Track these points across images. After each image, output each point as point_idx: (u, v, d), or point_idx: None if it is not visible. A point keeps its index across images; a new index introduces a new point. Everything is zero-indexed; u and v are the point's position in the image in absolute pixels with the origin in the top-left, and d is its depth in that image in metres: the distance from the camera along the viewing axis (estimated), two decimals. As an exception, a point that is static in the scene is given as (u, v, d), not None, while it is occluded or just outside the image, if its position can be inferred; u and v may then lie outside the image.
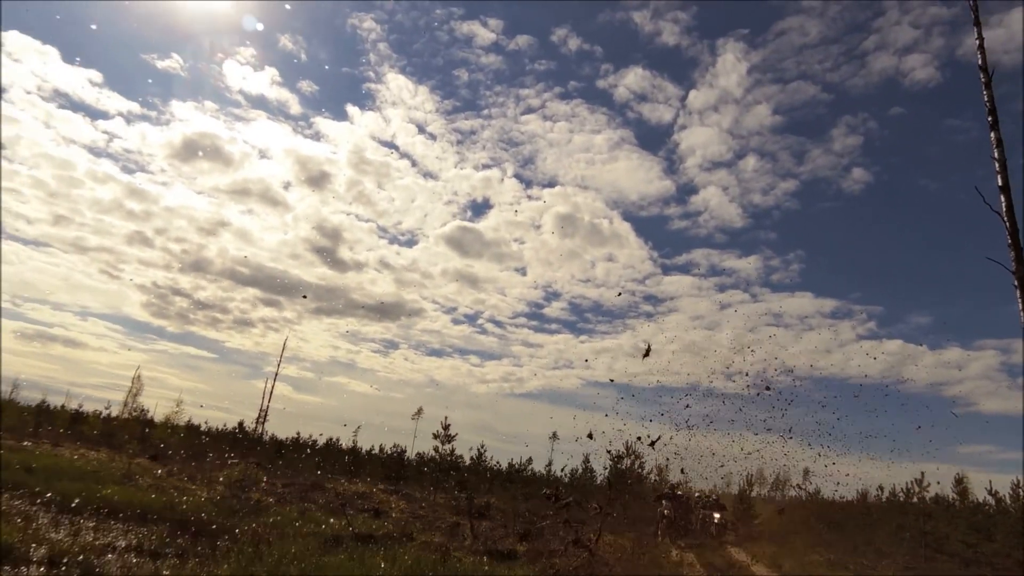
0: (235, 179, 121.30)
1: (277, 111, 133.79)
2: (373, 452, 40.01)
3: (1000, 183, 14.40)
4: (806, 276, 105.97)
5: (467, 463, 30.81)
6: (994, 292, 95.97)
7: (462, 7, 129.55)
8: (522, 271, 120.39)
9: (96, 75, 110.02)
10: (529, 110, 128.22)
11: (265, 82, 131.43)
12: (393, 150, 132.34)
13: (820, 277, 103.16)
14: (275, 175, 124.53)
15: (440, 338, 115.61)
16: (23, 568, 6.84)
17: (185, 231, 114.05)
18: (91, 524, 10.12)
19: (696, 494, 28.52)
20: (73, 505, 11.32)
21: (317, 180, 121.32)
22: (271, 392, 47.22)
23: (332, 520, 14.01)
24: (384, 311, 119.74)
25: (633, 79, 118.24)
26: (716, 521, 23.39)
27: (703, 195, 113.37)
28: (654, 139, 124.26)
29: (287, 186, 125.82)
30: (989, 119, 15.11)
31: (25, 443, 26.09)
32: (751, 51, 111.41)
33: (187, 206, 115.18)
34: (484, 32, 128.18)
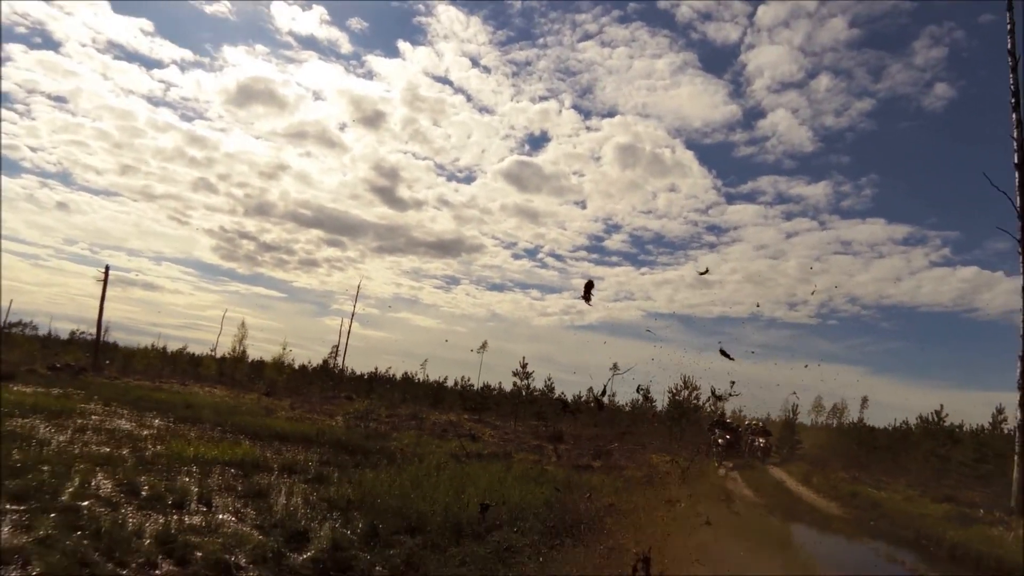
0: (291, 122, 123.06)
1: (328, 51, 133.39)
2: (453, 385, 44.15)
3: (1016, 160, 16.08)
4: (879, 201, 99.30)
5: (538, 394, 34.23)
6: None
7: None
8: (582, 204, 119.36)
9: (147, 23, 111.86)
10: (586, 36, 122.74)
11: (314, 21, 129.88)
12: (447, 85, 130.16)
13: (894, 202, 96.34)
14: (330, 116, 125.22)
15: (501, 273, 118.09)
16: (265, 474, 10.03)
17: (247, 176, 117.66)
18: (278, 446, 13.51)
19: (746, 422, 31.17)
20: (255, 433, 14.85)
21: (372, 120, 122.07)
22: (348, 331, 51.72)
23: (440, 443, 17.35)
24: (445, 248, 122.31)
25: None
26: (762, 445, 25.94)
27: (771, 119, 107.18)
28: (719, 61, 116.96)
29: (343, 127, 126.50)
30: (1012, 100, 16.68)
31: (161, 383, 30.74)
32: None
33: (246, 151, 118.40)
34: None
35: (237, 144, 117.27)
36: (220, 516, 6.65)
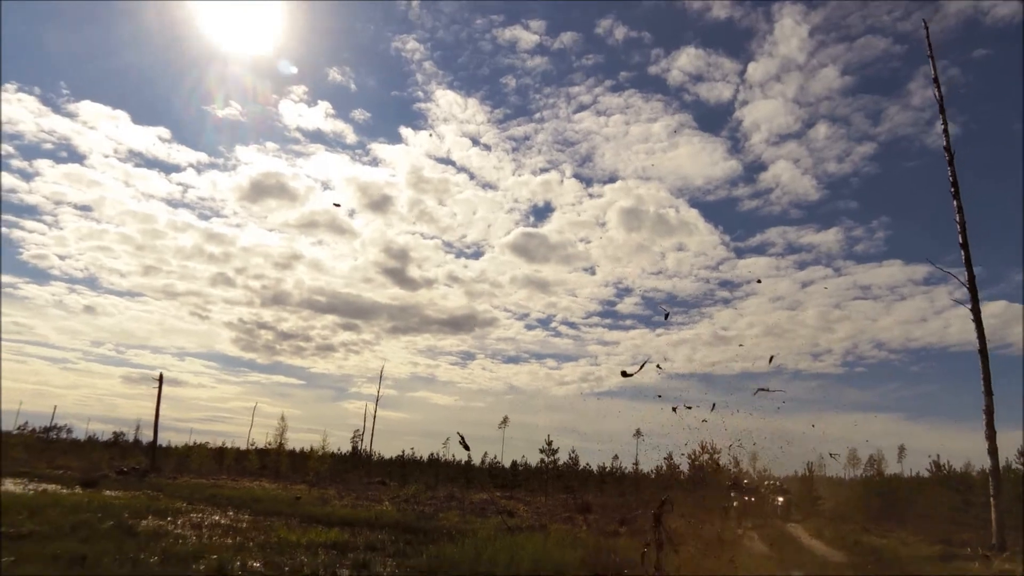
0: (302, 213, 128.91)
1: (334, 142, 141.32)
2: (480, 463, 45.88)
3: (961, 240, 19.00)
4: (893, 243, 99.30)
5: (562, 465, 36.05)
6: None
7: (501, 13, 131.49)
8: (591, 270, 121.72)
9: (164, 131, 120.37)
10: (581, 107, 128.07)
11: (319, 116, 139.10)
12: (450, 165, 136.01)
13: (909, 242, 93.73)
14: (340, 205, 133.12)
15: (515, 345, 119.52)
16: (357, 552, 12.35)
17: (262, 267, 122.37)
18: (351, 530, 15.80)
19: (766, 483, 32.71)
20: (326, 520, 17.16)
21: (380, 204, 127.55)
22: (375, 415, 53.91)
23: (482, 520, 19.45)
24: (458, 324, 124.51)
25: (686, 60, 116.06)
26: (780, 503, 27.52)
27: (773, 171, 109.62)
28: (714, 119, 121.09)
29: (352, 213, 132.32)
30: (952, 190, 19.81)
31: (215, 479, 33.10)
32: (810, 11, 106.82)
33: (261, 244, 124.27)
34: (527, 35, 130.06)
35: (252, 238, 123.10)
36: (343, 582, 9.09)
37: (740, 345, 75.34)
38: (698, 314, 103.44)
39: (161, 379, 38.09)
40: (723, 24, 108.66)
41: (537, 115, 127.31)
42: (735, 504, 26.53)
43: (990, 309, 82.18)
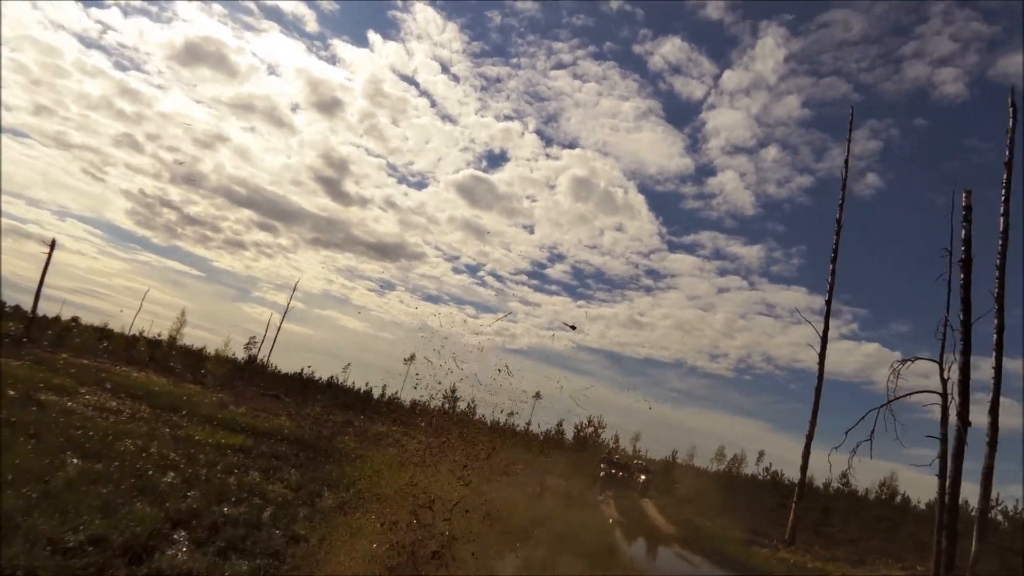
0: (239, 92, 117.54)
1: (292, 26, 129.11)
2: (380, 396, 47.35)
3: (827, 299, 21.83)
4: (804, 272, 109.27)
5: (460, 413, 38.16)
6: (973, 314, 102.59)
7: None
8: (530, 229, 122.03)
9: None
10: (560, 65, 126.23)
11: None
12: (413, 86, 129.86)
13: (817, 274, 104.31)
14: (283, 94, 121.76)
15: (438, 284, 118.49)
16: (261, 459, 13.67)
17: (180, 140, 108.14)
18: (254, 438, 17.01)
19: (634, 461, 36.24)
20: (228, 424, 18.23)
21: (328, 106, 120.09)
22: (279, 328, 53.93)
23: (377, 450, 21.11)
24: (384, 251, 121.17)
25: (670, 49, 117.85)
26: (641, 481, 30.88)
27: (720, 178, 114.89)
28: (682, 114, 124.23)
29: (295, 108, 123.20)
30: (832, 256, 22.62)
31: (100, 363, 32.76)
32: (792, 38, 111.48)
33: (183, 114, 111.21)
34: None
35: (174, 105, 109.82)
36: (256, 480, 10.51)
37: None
38: (620, 295, 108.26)
39: (53, 246, 36.66)
40: (713, 25, 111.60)
41: (514, 60, 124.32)
42: (601, 475, 29.66)
43: (864, 349, 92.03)
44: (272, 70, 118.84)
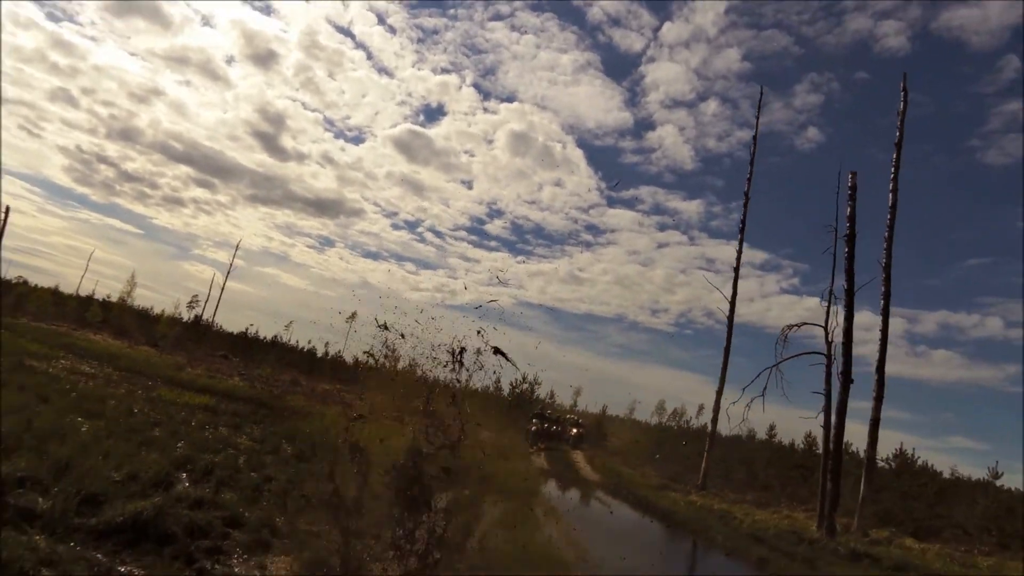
0: (173, 44, 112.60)
1: None
2: (324, 355, 48.77)
3: (730, 296, 24.64)
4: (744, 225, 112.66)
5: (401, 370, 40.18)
6: (907, 267, 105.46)
7: None
8: (468, 184, 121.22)
9: None
10: (497, 16, 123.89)
11: None
12: (349, 38, 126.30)
13: (757, 230, 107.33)
14: (218, 46, 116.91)
15: (378, 241, 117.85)
16: (225, 417, 15.32)
17: (115, 95, 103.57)
18: (214, 398, 18.56)
19: (567, 416, 39.03)
20: (188, 385, 19.69)
21: (264, 59, 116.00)
22: (223, 287, 54.37)
23: (324, 406, 22.89)
24: (323, 207, 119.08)
25: (610, 1, 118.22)
26: (573, 434, 33.65)
27: (659, 132, 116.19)
28: (620, 68, 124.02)
29: (230, 60, 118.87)
30: (740, 225, 25.48)
31: (59, 328, 33.28)
32: None
33: (118, 67, 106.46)
34: None
35: (108, 58, 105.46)
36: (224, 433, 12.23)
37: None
38: (560, 251, 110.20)
39: (7, 212, 36.48)
40: None
41: (451, 11, 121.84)
42: (532, 429, 32.23)
43: (806, 303, 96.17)
44: (206, 21, 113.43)
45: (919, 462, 23.84)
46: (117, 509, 5.45)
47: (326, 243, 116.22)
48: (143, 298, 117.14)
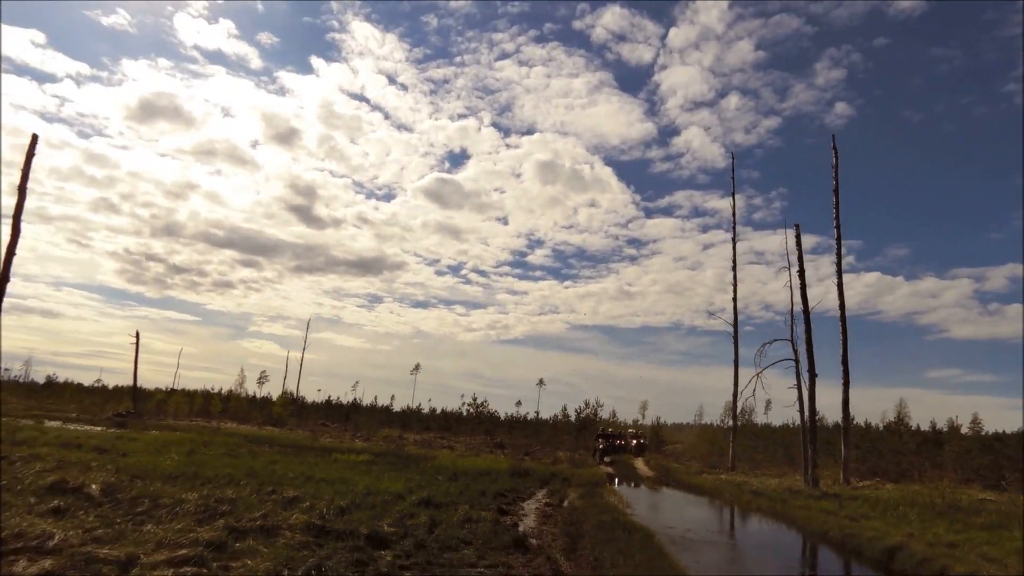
0: (198, 139, 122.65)
1: (237, 66, 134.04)
2: (403, 409, 56.78)
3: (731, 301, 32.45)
4: (788, 213, 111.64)
5: (484, 414, 47.98)
6: (970, 220, 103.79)
7: None
8: (504, 220, 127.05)
9: (38, 35, 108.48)
10: (504, 55, 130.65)
11: (221, 35, 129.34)
12: (364, 103, 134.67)
13: (802, 214, 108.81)
14: (241, 133, 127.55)
15: (424, 290, 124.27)
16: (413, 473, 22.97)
17: (152, 195, 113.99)
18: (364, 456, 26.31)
19: (630, 430, 45.76)
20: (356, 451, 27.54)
21: (286, 137, 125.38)
22: (301, 362, 62.77)
23: (435, 450, 30.50)
24: (366, 266, 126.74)
25: (611, 18, 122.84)
26: (634, 445, 40.38)
27: (685, 136, 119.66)
28: (634, 80, 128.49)
29: (255, 144, 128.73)
30: (731, 302, 33.64)
31: (202, 422, 42.11)
32: None
33: (151, 170, 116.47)
34: None
35: (140, 162, 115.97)
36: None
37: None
38: (605, 269, 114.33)
39: (138, 337, 45.81)
40: None
41: (458, 59, 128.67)
42: (601, 446, 39.12)
43: (865, 279, 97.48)
44: (226, 112, 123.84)
45: (912, 423, 29.91)
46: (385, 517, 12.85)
47: (375, 300, 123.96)
48: (209, 380, 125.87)
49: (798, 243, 25.34)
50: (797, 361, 24.72)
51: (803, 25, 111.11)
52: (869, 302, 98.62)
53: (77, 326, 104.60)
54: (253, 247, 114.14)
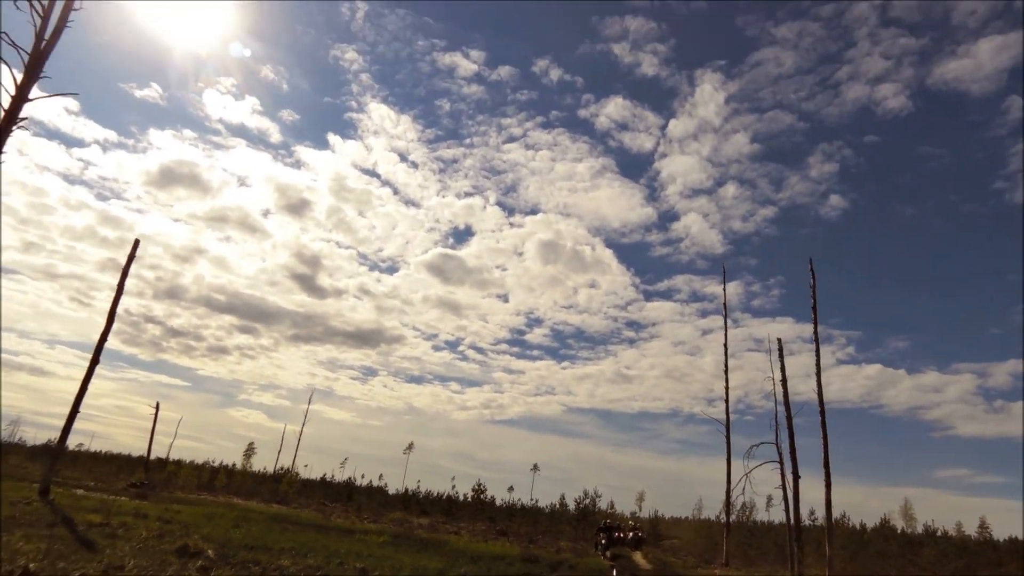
0: (213, 206, 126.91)
1: (257, 140, 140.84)
2: (405, 491, 58.15)
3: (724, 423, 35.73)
4: (786, 301, 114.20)
5: (467, 498, 49.67)
6: (970, 315, 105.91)
7: (444, 38, 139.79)
8: (504, 298, 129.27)
9: (73, 103, 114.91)
10: (511, 139, 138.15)
11: (246, 111, 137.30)
12: (375, 178, 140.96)
13: (800, 302, 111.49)
14: (254, 202, 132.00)
15: (420, 365, 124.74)
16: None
17: (160, 258, 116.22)
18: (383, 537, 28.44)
19: (629, 522, 47.44)
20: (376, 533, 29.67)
21: (297, 207, 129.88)
22: (299, 437, 64.46)
23: (445, 535, 32.51)
24: (364, 338, 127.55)
25: (614, 108, 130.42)
26: (630, 538, 42.04)
27: (684, 222, 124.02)
28: (635, 167, 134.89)
29: (266, 213, 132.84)
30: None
31: (213, 497, 43.81)
32: (728, 81, 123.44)
33: (163, 233, 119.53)
34: (466, 63, 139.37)
35: (154, 226, 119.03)
36: None
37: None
38: (603, 351, 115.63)
39: (157, 408, 48.04)
40: (650, 80, 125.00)
41: (467, 140, 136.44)
42: (602, 540, 40.84)
43: (866, 371, 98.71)
44: (242, 182, 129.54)
45: (896, 526, 32.29)
46: None
47: (369, 373, 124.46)
48: (193, 449, 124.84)
49: (780, 355, 28.62)
50: (782, 463, 27.47)
51: (796, 121, 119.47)
52: (872, 395, 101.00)
53: (64, 385, 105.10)
54: (253, 314, 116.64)
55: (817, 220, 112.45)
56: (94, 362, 22.17)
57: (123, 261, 22.95)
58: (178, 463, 52.63)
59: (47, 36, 12.39)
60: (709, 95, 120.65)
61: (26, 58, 12.31)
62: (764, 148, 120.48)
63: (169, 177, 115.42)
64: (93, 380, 22.19)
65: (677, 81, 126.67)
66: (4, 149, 12.71)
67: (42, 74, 12.55)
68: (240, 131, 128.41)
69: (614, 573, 24.68)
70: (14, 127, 12.63)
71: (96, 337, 22.64)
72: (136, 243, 23.56)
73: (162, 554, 12.41)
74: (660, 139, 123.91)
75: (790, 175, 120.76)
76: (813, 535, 37.66)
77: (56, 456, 24.22)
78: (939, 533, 32.10)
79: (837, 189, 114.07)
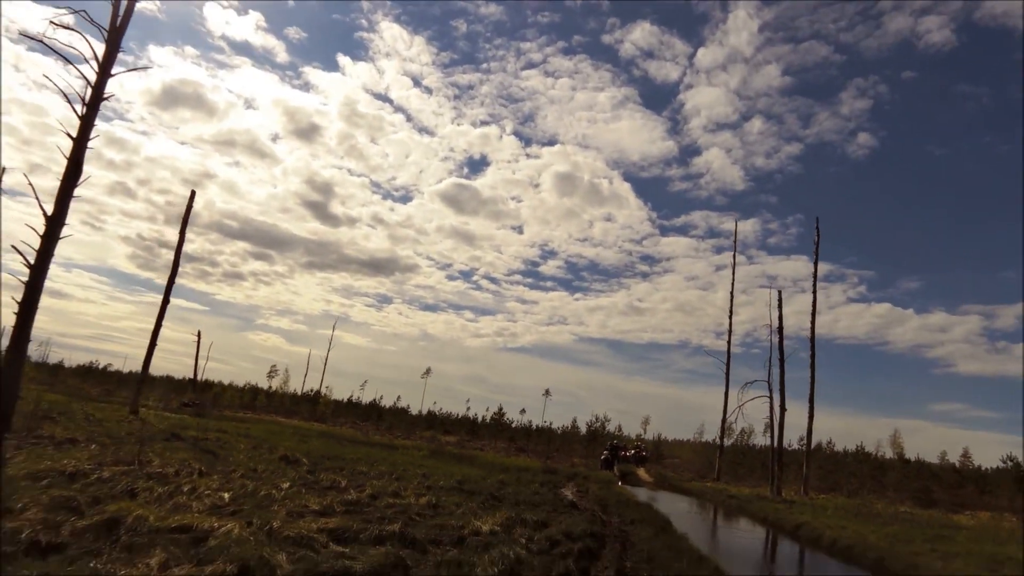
0: (219, 129, 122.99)
1: (263, 59, 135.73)
2: (425, 413, 63.45)
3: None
4: (803, 240, 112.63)
5: (486, 420, 54.82)
6: (984, 258, 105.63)
7: None
8: (519, 229, 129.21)
9: (67, 18, 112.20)
10: (530, 65, 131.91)
11: (250, 27, 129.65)
12: (387, 103, 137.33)
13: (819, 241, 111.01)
14: (262, 126, 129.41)
15: (434, 293, 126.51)
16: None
17: (169, 182, 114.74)
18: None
19: (636, 443, 52.39)
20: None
21: (307, 133, 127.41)
22: (325, 363, 68.93)
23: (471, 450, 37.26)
24: (378, 266, 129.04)
25: (640, 35, 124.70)
26: (636, 455, 47.00)
27: (706, 157, 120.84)
28: (659, 98, 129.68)
29: (275, 138, 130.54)
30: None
31: (259, 416, 48.92)
32: (764, 7, 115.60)
33: (169, 156, 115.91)
34: None
35: (160, 149, 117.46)
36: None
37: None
38: (617, 284, 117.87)
39: (199, 336, 52.63)
40: (681, 5, 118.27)
41: (484, 65, 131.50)
42: (602, 457, 45.75)
43: (875, 310, 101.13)
44: (249, 104, 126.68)
45: (871, 450, 36.58)
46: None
47: (384, 300, 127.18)
48: (217, 371, 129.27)
49: (779, 306, 32.09)
50: (771, 397, 31.46)
51: (832, 53, 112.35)
52: (878, 332, 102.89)
53: (84, 308, 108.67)
54: (266, 240, 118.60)
55: (843, 158, 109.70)
56: (165, 302, 25.96)
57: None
58: (227, 386, 57.80)
59: (121, 13, 13.65)
60: (743, 22, 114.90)
61: (105, 35, 13.35)
62: (796, 81, 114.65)
63: (172, 97, 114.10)
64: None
65: (709, 6, 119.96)
66: (94, 122, 13.18)
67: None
68: (245, 49, 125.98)
69: (619, 482, 29.13)
70: (101, 102, 13.42)
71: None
72: (192, 194, 26.93)
73: (270, 462, 16.33)
74: (687, 69, 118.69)
75: (820, 111, 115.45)
76: (796, 457, 42.29)
77: (142, 382, 28.26)
78: (912, 460, 36.39)
79: (867, 127, 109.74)
